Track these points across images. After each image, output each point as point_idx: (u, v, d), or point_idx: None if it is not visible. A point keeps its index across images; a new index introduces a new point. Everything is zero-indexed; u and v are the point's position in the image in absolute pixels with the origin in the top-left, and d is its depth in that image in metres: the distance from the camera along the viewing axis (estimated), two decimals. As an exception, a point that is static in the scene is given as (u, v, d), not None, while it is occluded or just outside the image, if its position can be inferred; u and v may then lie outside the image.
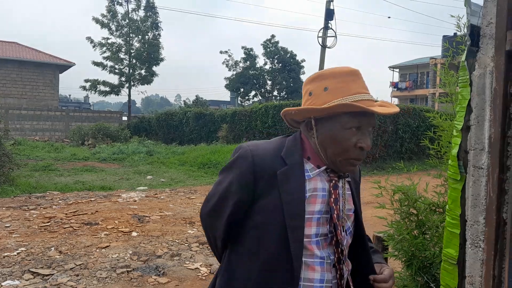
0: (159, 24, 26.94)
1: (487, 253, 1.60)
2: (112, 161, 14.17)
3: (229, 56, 37.63)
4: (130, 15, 26.17)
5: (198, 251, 4.71)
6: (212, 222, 1.24)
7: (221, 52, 37.86)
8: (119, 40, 26.24)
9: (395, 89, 40.42)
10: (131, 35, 26.15)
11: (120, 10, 26.22)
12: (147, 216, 6.25)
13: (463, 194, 1.76)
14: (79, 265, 4.11)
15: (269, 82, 38.21)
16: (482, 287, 1.65)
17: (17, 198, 7.45)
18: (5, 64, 24.18)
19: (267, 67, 38.16)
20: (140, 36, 26.38)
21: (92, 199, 7.58)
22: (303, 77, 38.21)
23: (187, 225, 5.89)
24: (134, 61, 26.42)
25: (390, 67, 42.88)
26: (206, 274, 4.05)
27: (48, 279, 3.76)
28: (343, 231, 1.19)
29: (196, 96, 37.98)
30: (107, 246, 4.74)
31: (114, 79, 27.27)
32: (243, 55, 37.55)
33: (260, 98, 37.72)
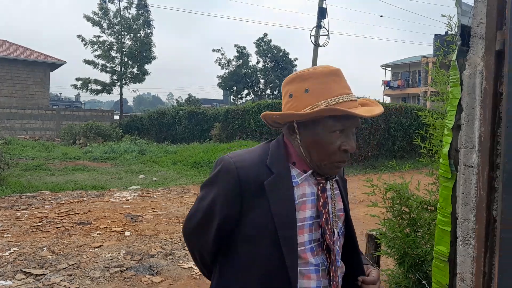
0: (151, 22, 26.79)
1: (478, 250, 1.62)
2: (104, 160, 14.07)
3: (222, 54, 37.61)
4: (121, 13, 25.99)
5: (191, 250, 4.71)
6: (198, 239, 1.19)
7: (213, 50, 37.82)
8: (111, 38, 26.07)
9: (387, 87, 40.67)
10: (122, 33, 25.98)
11: (112, 8, 26.06)
12: (140, 216, 6.23)
13: (454, 192, 1.78)
14: (72, 265, 4.09)
15: (262, 81, 38.24)
16: (473, 283, 1.67)
17: (8, 198, 7.38)
18: (-5, 63, 23.91)
19: (260, 65, 38.19)
20: (132, 34, 26.22)
21: (84, 198, 7.54)
22: (296, 76, 38.16)
23: (180, 224, 5.88)
24: (125, 59, 26.25)
25: (382, 66, 43.11)
26: (199, 273, 4.06)
27: (41, 279, 3.74)
28: (334, 234, 1.17)
29: (189, 94, 37.84)
30: (100, 246, 4.72)
31: (105, 77, 27.15)
32: (236, 54, 37.54)
33: (253, 96, 37.72)
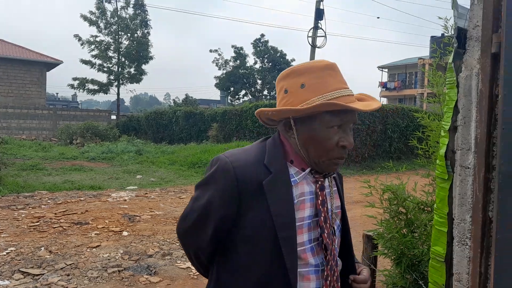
0: (148, 22, 26.76)
1: (474, 250, 1.64)
2: (101, 160, 14.05)
3: (219, 55, 37.58)
4: (119, 13, 25.94)
5: (189, 250, 4.72)
6: (194, 239, 1.17)
7: (211, 51, 37.80)
8: (108, 38, 26.01)
9: (384, 89, 40.77)
10: (120, 33, 25.93)
11: (109, 7, 26.01)
12: (137, 216, 6.23)
13: (450, 193, 1.80)
14: (70, 264, 4.09)
15: (259, 82, 38.25)
16: (469, 284, 1.69)
17: (5, 198, 7.36)
18: (-9, 62, 23.82)
19: (257, 66, 38.21)
20: (129, 34, 26.17)
21: (82, 198, 7.53)
22: (293, 77, 38.20)
23: (178, 224, 5.89)
24: (123, 59, 26.20)
25: (379, 67, 43.23)
26: (197, 273, 4.06)
27: (39, 279, 3.74)
28: (332, 233, 1.16)
29: (186, 95, 37.78)
30: (98, 246, 4.72)
31: (102, 77, 27.05)
32: (233, 54, 37.54)
33: (250, 97, 37.73)
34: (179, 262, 4.35)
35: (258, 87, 38.34)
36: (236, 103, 35.97)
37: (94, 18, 25.49)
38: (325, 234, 1.12)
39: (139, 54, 25.92)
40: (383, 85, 41.13)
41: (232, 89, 37.44)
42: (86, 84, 25.96)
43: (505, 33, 1.44)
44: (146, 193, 8.34)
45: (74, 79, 25.97)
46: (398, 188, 2.49)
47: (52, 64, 26.67)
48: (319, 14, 16.91)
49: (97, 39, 25.68)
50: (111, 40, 26.00)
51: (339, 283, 1.18)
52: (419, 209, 2.50)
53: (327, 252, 1.12)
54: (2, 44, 26.13)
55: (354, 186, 5.10)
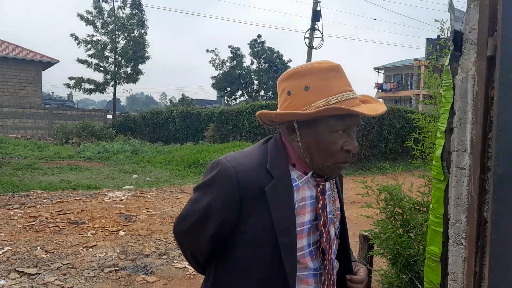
0: (145, 22, 26.71)
1: (469, 250, 1.66)
2: (97, 160, 14.01)
3: (216, 55, 37.58)
4: (116, 12, 25.88)
5: (185, 250, 4.73)
6: (191, 241, 1.15)
7: (207, 51, 37.76)
8: (105, 38, 25.95)
9: (380, 90, 40.91)
10: (116, 32, 25.87)
11: (106, 7, 25.94)
12: (134, 216, 6.23)
13: (446, 194, 1.82)
14: (66, 264, 4.08)
15: (255, 82, 38.28)
16: (464, 283, 1.72)
17: (0, 197, 7.33)
18: (-13, 61, 23.70)
19: (254, 66, 38.24)
20: (126, 34, 26.12)
21: (78, 198, 7.51)
22: (290, 77, 38.32)
23: (174, 224, 5.89)
24: (119, 58, 26.14)
25: (375, 68, 43.40)
26: (194, 273, 4.07)
27: (35, 278, 3.73)
28: (331, 237, 1.16)
29: (182, 94, 37.73)
30: (94, 245, 4.72)
31: (99, 77, 26.96)
32: (230, 55, 37.55)
33: (246, 97, 37.75)
34: (175, 261, 4.35)
35: (255, 88, 38.37)
36: (233, 104, 35.97)
37: (91, 18, 25.43)
38: (324, 239, 1.11)
39: (135, 54, 25.87)
40: (379, 86, 41.28)
41: (228, 89, 37.44)
42: (83, 84, 25.88)
43: (500, 36, 1.47)
44: (142, 193, 8.33)
45: (70, 78, 25.88)
46: (394, 189, 2.52)
47: (48, 63, 26.57)
48: (316, 15, 16.95)
49: (94, 38, 25.62)
50: (107, 40, 25.94)
51: (335, 286, 1.18)
52: (415, 209, 2.52)
53: (325, 257, 1.12)
54: (-3, 42, 26.01)
55: (350, 186, 5.12)
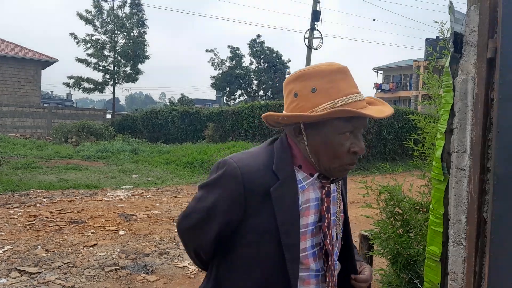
0: (145, 22, 26.70)
1: (469, 250, 1.68)
2: (97, 159, 14.01)
3: (215, 55, 37.61)
4: (115, 12, 25.86)
5: (185, 249, 4.74)
6: (194, 238, 1.16)
7: (207, 50, 37.81)
8: (104, 37, 25.93)
9: (379, 90, 40.95)
10: (116, 32, 25.85)
11: (106, 6, 25.92)
12: (134, 215, 6.24)
13: (446, 194, 1.84)
14: (67, 263, 4.10)
15: (255, 82, 38.31)
16: (464, 283, 1.73)
17: (0, 196, 7.33)
18: (-14, 60, 23.68)
19: (253, 66, 38.28)
20: (125, 33, 26.10)
21: (78, 197, 7.51)
22: (289, 77, 38.42)
23: (175, 224, 5.90)
24: (119, 58, 26.13)
25: (374, 69, 43.44)
26: (194, 272, 4.09)
27: (36, 277, 3.74)
28: (334, 238, 1.16)
29: (182, 94, 37.74)
30: (95, 245, 4.73)
31: (98, 76, 26.92)
32: (229, 54, 37.58)
33: (246, 97, 37.77)
34: (176, 261, 4.37)
35: (254, 88, 38.40)
36: (232, 103, 36.00)
37: (90, 17, 25.41)
38: (327, 240, 1.12)
39: (135, 53, 25.86)
40: (378, 86, 41.32)
41: (228, 89, 37.47)
42: (82, 83, 25.86)
43: (500, 38, 1.48)
44: (142, 192, 8.34)
45: (70, 77, 25.85)
46: (394, 189, 2.53)
47: (47, 62, 26.54)
48: (315, 15, 16.97)
49: (93, 37, 25.60)
50: (107, 39, 25.92)
51: (336, 287, 1.19)
52: (415, 209, 2.54)
53: (328, 258, 1.13)
54: (-4, 41, 25.98)
55: (350, 186, 5.12)
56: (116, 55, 26.04)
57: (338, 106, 1.03)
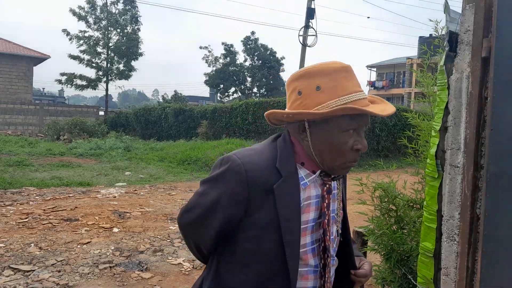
0: (138, 18, 26.53)
1: (462, 246, 1.71)
2: (89, 156, 13.92)
3: (209, 52, 37.50)
4: (108, 8, 25.66)
5: (180, 246, 4.74)
6: (196, 232, 1.17)
7: (200, 47, 37.71)
8: (97, 34, 25.74)
9: (372, 88, 41.13)
10: (109, 28, 25.66)
11: (99, 2, 25.70)
12: (127, 212, 6.22)
13: (440, 191, 1.87)
14: (61, 261, 4.08)
15: (249, 79, 38.26)
16: (457, 278, 1.76)
17: (-9, 194, 7.27)
18: (-24, 55, 23.40)
19: (247, 64, 38.21)
20: (118, 30, 25.92)
21: (71, 195, 7.47)
22: (283, 75, 38.48)
23: (169, 221, 5.90)
24: (112, 54, 25.95)
25: (367, 66, 43.59)
26: (189, 269, 4.09)
27: (30, 275, 3.72)
28: (333, 235, 1.18)
29: (175, 91, 37.62)
30: (88, 242, 4.71)
31: (91, 73, 26.74)
32: (223, 51, 37.48)
33: (240, 94, 37.72)
34: (170, 258, 4.37)
35: (248, 85, 38.35)
36: (226, 101, 35.95)
37: (83, 13, 25.19)
38: (327, 237, 1.14)
39: (128, 50, 25.70)
40: (372, 84, 41.49)
41: (221, 86, 37.39)
42: (74, 80, 25.66)
43: (495, 38, 1.50)
44: (135, 190, 8.32)
45: (62, 74, 25.66)
46: (389, 186, 2.56)
47: (39, 58, 26.30)
48: (310, 13, 16.98)
49: (86, 34, 25.40)
50: (100, 36, 25.73)
51: (332, 283, 1.21)
52: (408, 206, 2.57)
53: (327, 254, 1.15)
54: (-13, 37, 25.67)
55: (344, 184, 5.18)
56: (109, 52, 25.86)
57: (343, 104, 1.05)
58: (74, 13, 25.03)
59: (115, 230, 5.29)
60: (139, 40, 26.40)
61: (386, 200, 2.54)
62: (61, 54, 27.35)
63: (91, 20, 25.41)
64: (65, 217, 5.78)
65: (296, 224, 1.08)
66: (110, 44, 25.70)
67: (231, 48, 37.51)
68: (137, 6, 26.45)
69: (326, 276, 1.16)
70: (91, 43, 25.31)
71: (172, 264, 4.21)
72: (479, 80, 1.60)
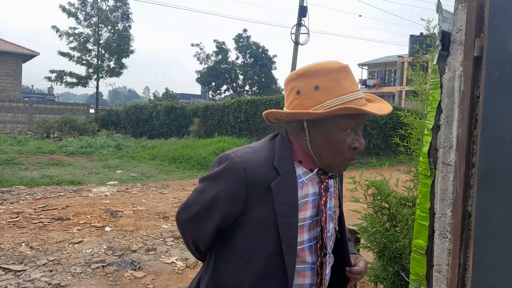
0: (129, 16, 26.32)
1: (454, 243, 1.73)
2: (80, 154, 13.81)
3: (201, 49, 37.38)
4: (99, 5, 25.42)
5: (173, 245, 4.73)
6: (193, 230, 1.18)
7: (192, 45, 37.56)
8: (87, 30, 25.49)
9: (364, 86, 41.34)
10: (100, 25, 25.43)
11: (89, -1, 25.45)
12: (119, 211, 6.18)
13: (432, 189, 1.89)
14: (52, 260, 4.04)
15: (241, 77, 38.22)
16: (449, 274, 1.78)
17: (-19, 193, 7.18)
18: (-36, 52, 23.02)
19: (239, 61, 38.19)
20: (109, 27, 25.70)
21: (62, 193, 7.40)
22: (275, 73, 38.57)
23: (161, 220, 5.88)
24: (102, 52, 25.72)
25: (359, 64, 43.80)
26: (182, 268, 4.08)
27: (21, 275, 3.68)
28: (330, 232, 1.20)
29: (166, 89, 37.41)
30: (80, 241, 4.68)
31: (81, 70, 26.49)
32: (215, 49, 37.39)
33: (231, 92, 37.67)
34: (163, 257, 4.35)
35: (240, 83, 38.31)
36: (218, 98, 35.88)
37: (73, 10, 24.93)
38: (325, 234, 1.15)
39: (119, 47, 25.49)
40: (363, 82, 41.70)
41: (213, 84, 37.31)
42: (64, 77, 25.39)
43: (487, 37, 1.52)
44: (127, 188, 8.27)
45: (52, 71, 25.37)
46: (381, 184, 2.57)
47: (28, 55, 25.94)
48: (302, 11, 16.99)
49: (76, 31, 25.14)
50: (90, 33, 25.48)
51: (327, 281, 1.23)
52: (401, 204, 2.59)
53: (324, 252, 1.16)
54: (-25, 34, 25.24)
55: (336, 182, 5.19)
56: (100, 49, 25.63)
57: (342, 104, 1.06)
58: (64, 9, 24.76)
59: (107, 229, 5.26)
60: (130, 37, 26.19)
61: (379, 198, 2.56)
62: (51, 51, 27.05)
63: (81, 16, 25.17)
64: (56, 216, 5.73)
65: (293, 221, 1.09)
66: (101, 41, 25.48)
67: (223, 46, 37.46)
68: (128, 3, 26.26)
69: (323, 273, 1.17)
70: (81, 40, 25.06)
71: (165, 263, 4.20)
72: (471, 79, 1.61)
